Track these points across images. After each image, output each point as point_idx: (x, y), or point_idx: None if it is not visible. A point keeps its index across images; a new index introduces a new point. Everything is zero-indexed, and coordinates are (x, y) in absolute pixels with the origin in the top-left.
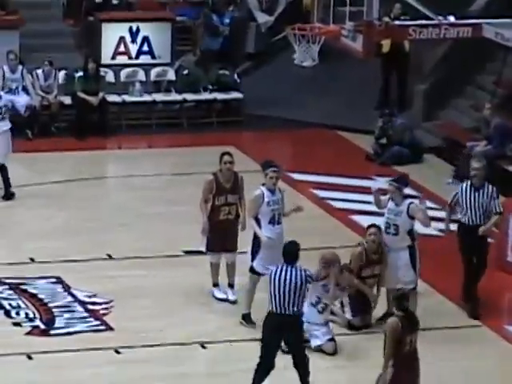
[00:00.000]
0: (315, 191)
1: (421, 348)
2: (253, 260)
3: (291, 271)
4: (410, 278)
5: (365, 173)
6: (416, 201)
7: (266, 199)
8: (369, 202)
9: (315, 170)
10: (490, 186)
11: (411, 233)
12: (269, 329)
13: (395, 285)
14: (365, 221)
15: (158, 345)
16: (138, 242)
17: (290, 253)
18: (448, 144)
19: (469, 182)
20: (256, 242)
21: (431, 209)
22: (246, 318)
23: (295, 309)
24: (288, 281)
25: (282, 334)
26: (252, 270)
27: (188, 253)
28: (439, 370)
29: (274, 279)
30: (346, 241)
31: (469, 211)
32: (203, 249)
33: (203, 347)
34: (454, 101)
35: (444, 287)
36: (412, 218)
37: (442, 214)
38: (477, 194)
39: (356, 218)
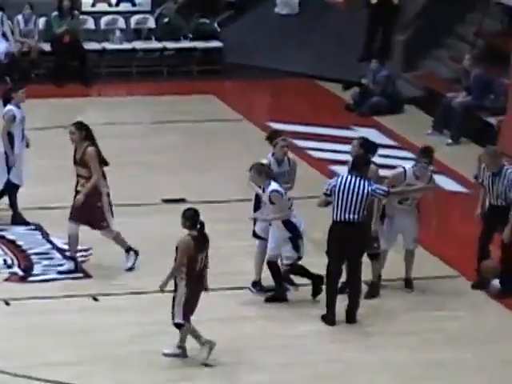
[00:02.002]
0: (295, 141)
1: (402, 296)
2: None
3: (356, 181)
4: (416, 236)
5: (345, 123)
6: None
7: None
8: (347, 152)
9: (295, 120)
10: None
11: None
12: (333, 238)
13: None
14: (343, 170)
15: (136, 293)
16: (117, 190)
17: (357, 164)
18: (427, 94)
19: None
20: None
21: (411, 159)
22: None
23: (357, 216)
24: (352, 190)
25: (345, 242)
26: (254, 234)
27: (167, 201)
28: (419, 319)
29: (339, 188)
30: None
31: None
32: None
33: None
34: (433, 51)
35: (425, 239)
36: None
37: None
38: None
39: (335, 167)
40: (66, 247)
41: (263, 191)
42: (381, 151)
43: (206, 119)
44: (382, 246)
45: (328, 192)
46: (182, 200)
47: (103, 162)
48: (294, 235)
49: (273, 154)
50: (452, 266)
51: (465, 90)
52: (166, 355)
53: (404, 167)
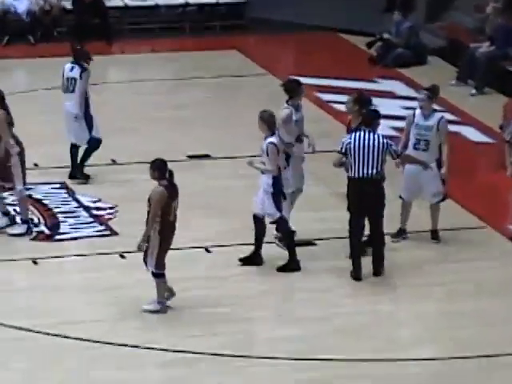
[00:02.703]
0: (319, 94)
1: (429, 247)
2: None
3: (370, 136)
4: (437, 190)
5: (368, 75)
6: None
7: (293, 117)
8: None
9: (319, 73)
10: None
11: (440, 147)
12: (353, 194)
13: (418, 197)
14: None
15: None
16: (142, 147)
17: (368, 119)
18: (451, 45)
19: None
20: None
21: (435, 110)
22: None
23: (375, 171)
24: (367, 145)
25: (366, 197)
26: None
27: (192, 157)
28: (447, 269)
29: (354, 144)
30: None
31: None
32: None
33: (208, 251)
34: (456, 2)
35: (452, 189)
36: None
37: (446, 116)
38: None
39: None
40: (92, 205)
41: (264, 139)
42: (405, 103)
43: (230, 74)
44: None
45: (343, 150)
46: (207, 156)
47: (10, 123)
48: (277, 193)
49: (287, 102)
50: (479, 217)
51: (488, 40)
52: (144, 311)
53: (414, 109)
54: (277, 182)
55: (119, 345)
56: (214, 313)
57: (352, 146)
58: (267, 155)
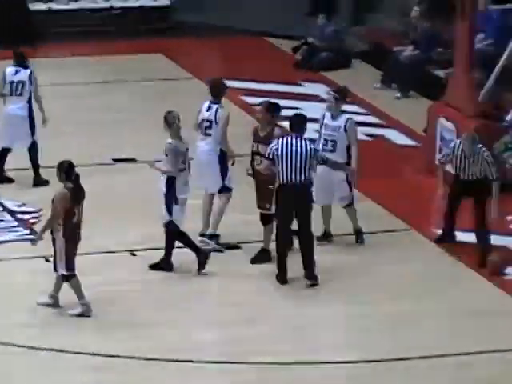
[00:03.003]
0: (244, 98)
1: (353, 251)
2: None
3: (297, 141)
4: (345, 194)
5: (293, 79)
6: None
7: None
8: (297, 108)
9: (244, 77)
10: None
11: (349, 149)
12: (281, 200)
13: (329, 201)
14: None
15: (88, 253)
16: (67, 150)
17: (295, 124)
18: (375, 49)
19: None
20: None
21: (360, 114)
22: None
23: (303, 177)
24: (295, 151)
25: (294, 204)
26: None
27: (117, 161)
28: (371, 272)
29: (282, 151)
30: None
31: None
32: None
33: (133, 255)
34: (380, 5)
35: (376, 192)
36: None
37: (369, 119)
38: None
39: (284, 123)
40: (16, 209)
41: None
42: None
43: (155, 78)
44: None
45: (271, 156)
46: (133, 160)
47: None
48: (169, 195)
49: (217, 103)
50: (403, 220)
51: (412, 44)
52: (39, 304)
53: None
54: (171, 184)
55: (45, 349)
56: (140, 316)
57: (280, 152)
58: (166, 155)
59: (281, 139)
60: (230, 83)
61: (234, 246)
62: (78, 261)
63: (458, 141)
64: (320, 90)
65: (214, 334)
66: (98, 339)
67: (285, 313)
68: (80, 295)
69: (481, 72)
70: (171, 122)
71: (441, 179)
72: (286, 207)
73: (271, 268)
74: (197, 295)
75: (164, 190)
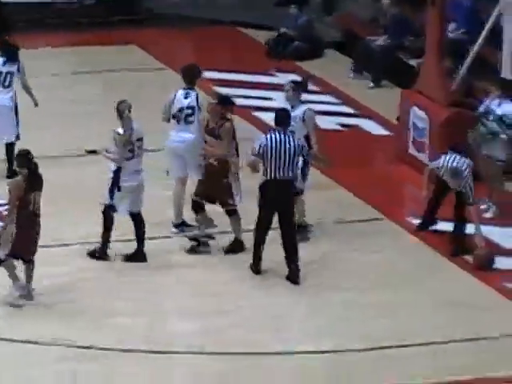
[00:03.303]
0: (218, 88)
1: (327, 240)
2: None
3: (285, 138)
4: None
5: (266, 69)
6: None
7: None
8: (270, 98)
9: (216, 67)
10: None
11: (307, 139)
12: (266, 194)
13: None
14: (266, 117)
15: (56, 245)
16: (40, 142)
17: (282, 120)
18: (347, 38)
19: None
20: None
21: (332, 104)
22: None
23: (291, 173)
24: (283, 147)
25: (278, 198)
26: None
27: (91, 152)
28: (344, 261)
29: (271, 146)
30: (250, 135)
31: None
32: None
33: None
34: None
35: (349, 182)
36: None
37: (342, 109)
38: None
39: (257, 114)
40: None
41: None
42: (302, 96)
43: (128, 69)
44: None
45: (260, 152)
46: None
47: None
48: (113, 181)
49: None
50: (377, 209)
51: (384, 31)
52: (11, 305)
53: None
54: (116, 172)
55: (11, 341)
56: (111, 307)
57: (269, 148)
58: (115, 144)
59: (268, 135)
60: (203, 74)
61: (208, 236)
62: (47, 251)
63: (444, 162)
64: (293, 79)
65: (187, 324)
66: (66, 330)
67: (259, 302)
68: (14, 278)
69: (453, 60)
70: (122, 111)
71: (426, 181)
72: (271, 203)
73: (246, 257)
74: (169, 286)
75: (110, 175)
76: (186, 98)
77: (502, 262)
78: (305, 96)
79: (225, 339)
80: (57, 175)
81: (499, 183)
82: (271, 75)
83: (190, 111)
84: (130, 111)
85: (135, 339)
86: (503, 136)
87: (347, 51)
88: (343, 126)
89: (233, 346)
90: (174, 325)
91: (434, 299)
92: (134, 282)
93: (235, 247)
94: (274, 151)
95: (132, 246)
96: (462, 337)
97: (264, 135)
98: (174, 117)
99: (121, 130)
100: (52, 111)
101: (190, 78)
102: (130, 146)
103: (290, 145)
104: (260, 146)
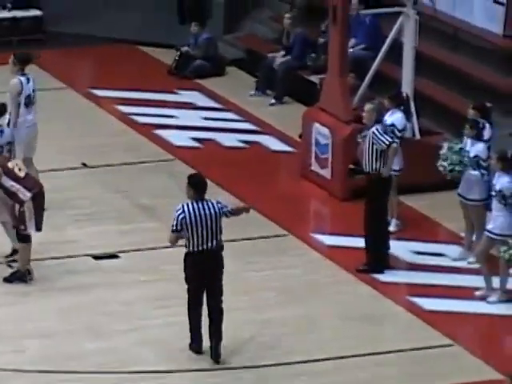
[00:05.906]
0: (119, 107)
1: (231, 258)
2: None
3: (203, 206)
4: None
5: (168, 87)
6: None
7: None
8: (171, 116)
9: (118, 86)
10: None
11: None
12: (191, 268)
13: None
14: (168, 135)
15: None
16: None
17: (200, 185)
18: (249, 56)
19: None
20: None
21: (235, 121)
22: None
23: (215, 242)
24: (203, 216)
25: (206, 270)
26: None
27: None
28: (249, 279)
29: (190, 218)
30: (152, 155)
31: None
32: None
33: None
34: (253, 12)
35: (251, 198)
36: None
37: (244, 126)
38: None
39: (159, 132)
40: None
41: None
42: (205, 114)
43: None
44: None
45: (179, 227)
46: None
47: None
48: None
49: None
50: (280, 225)
51: (284, 50)
52: None
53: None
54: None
55: None
56: (21, 328)
57: (187, 220)
58: None
59: (185, 206)
60: (104, 93)
61: (113, 256)
62: None
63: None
64: (195, 97)
65: (96, 343)
66: None
67: (164, 321)
68: None
69: (355, 77)
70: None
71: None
72: (199, 276)
73: (150, 276)
74: (79, 306)
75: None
76: (28, 83)
77: (404, 276)
78: (206, 114)
79: (133, 358)
80: None
81: (393, 195)
82: (174, 93)
83: (33, 94)
84: None
85: (43, 360)
86: (394, 145)
87: (249, 69)
88: (245, 142)
89: (142, 365)
90: (81, 345)
91: (339, 313)
92: (38, 304)
93: (19, 277)
94: (194, 222)
95: None
96: (364, 351)
97: (179, 207)
98: (25, 104)
99: None
100: None
101: (26, 63)
102: None
103: (210, 211)
104: (177, 219)
